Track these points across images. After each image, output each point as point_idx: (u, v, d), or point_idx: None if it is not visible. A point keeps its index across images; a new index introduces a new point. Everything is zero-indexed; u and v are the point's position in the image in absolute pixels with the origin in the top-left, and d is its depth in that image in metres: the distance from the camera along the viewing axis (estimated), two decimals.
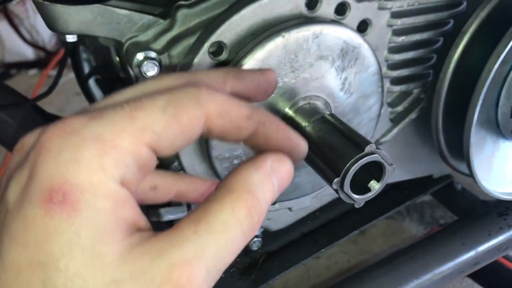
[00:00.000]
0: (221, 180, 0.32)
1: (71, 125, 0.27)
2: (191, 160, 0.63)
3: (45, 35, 2.86)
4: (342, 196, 0.52)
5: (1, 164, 2.08)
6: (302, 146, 0.39)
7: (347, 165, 0.50)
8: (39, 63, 2.94)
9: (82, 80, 0.77)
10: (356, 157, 0.50)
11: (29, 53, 2.95)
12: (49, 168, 0.26)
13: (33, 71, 2.95)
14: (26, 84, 2.86)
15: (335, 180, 0.51)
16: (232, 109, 0.32)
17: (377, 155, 0.51)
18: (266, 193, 0.32)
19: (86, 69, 0.83)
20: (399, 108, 0.73)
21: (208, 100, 0.30)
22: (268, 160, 0.33)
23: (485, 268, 0.85)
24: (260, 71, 0.41)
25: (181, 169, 0.65)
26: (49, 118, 0.89)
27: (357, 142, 0.52)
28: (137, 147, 0.28)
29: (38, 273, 0.25)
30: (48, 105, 0.90)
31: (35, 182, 0.27)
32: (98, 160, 0.27)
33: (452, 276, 0.81)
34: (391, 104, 0.73)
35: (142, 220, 0.29)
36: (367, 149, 0.51)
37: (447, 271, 0.80)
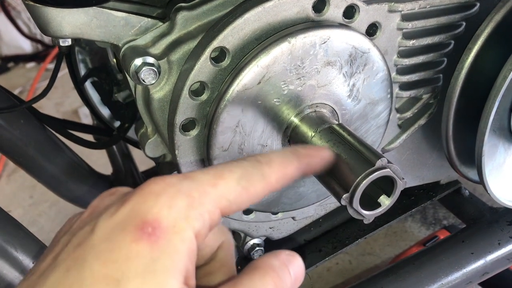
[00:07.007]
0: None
1: (169, 180, 0.34)
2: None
3: None
4: (351, 212, 0.50)
5: None
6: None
7: (357, 180, 0.48)
8: (37, 56, 2.91)
9: (78, 83, 0.74)
10: (366, 172, 0.47)
11: (26, 46, 2.92)
12: (147, 206, 0.32)
13: (30, 64, 2.91)
14: (24, 77, 2.83)
15: (344, 196, 0.48)
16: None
17: (389, 169, 0.48)
18: (286, 276, 0.36)
19: (82, 70, 0.80)
20: (408, 114, 0.71)
21: (271, 175, 0.38)
22: (282, 253, 0.38)
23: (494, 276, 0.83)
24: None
25: None
26: (44, 120, 0.86)
27: (367, 156, 0.49)
28: (214, 209, 0.35)
29: (111, 287, 0.30)
30: (46, 99, 0.88)
31: (132, 214, 0.32)
32: (186, 210, 0.33)
33: (459, 286, 0.79)
34: (400, 110, 0.70)
35: (193, 279, 0.33)
36: (378, 163, 0.48)
37: (454, 281, 0.78)
